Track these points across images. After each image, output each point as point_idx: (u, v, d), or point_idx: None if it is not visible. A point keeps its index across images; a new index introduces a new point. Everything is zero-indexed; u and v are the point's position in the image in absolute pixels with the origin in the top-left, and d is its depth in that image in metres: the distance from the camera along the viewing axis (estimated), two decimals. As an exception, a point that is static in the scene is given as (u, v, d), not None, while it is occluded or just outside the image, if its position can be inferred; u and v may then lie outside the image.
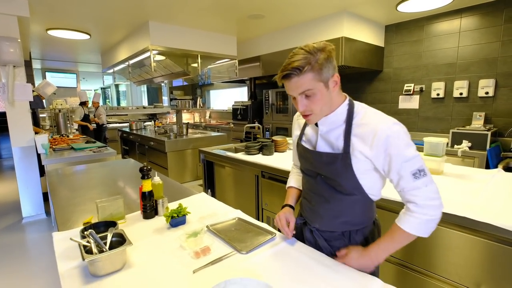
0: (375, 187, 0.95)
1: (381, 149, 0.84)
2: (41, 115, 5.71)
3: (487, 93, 3.16)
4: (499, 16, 3.02)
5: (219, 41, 4.34)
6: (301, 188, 1.19)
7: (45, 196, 3.36)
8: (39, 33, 4.18)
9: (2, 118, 6.62)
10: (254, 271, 0.90)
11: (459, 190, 1.57)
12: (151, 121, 7.32)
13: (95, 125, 5.96)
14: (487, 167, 2.76)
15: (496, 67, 3.10)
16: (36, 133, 3.40)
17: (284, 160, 2.44)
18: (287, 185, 1.26)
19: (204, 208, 1.43)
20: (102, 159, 3.03)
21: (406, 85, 3.80)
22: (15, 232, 2.92)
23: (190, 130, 5.06)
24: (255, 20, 3.74)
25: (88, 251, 0.91)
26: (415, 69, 3.73)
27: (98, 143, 3.61)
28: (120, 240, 0.98)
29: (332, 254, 1.00)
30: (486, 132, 2.85)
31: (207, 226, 1.19)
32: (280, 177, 2.25)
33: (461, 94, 3.35)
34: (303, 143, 1.06)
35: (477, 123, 3.17)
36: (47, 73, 7.63)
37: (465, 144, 2.93)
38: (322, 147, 0.97)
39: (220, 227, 1.20)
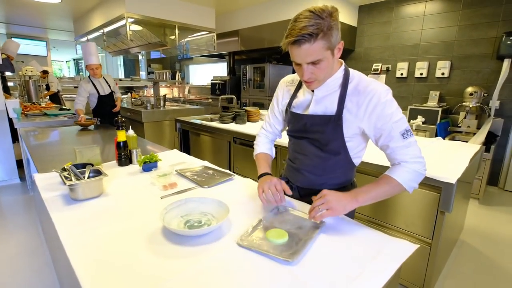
0: (358, 150, 1.00)
1: (374, 113, 0.88)
2: (9, 84, 5.45)
3: (443, 73, 3.47)
4: (459, 2, 3.27)
5: (197, 13, 4.31)
6: (271, 154, 1.17)
7: (19, 163, 3.36)
8: (4, -7, 3.95)
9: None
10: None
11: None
12: (127, 94, 7.18)
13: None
14: (436, 140, 3.10)
15: (453, 50, 3.39)
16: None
17: (256, 128, 2.62)
18: (256, 152, 1.17)
19: (175, 159, 1.59)
20: (76, 125, 3.05)
21: (374, 64, 4.04)
22: (-11, 195, 2.95)
23: (167, 103, 5.08)
24: (233, -8, 3.76)
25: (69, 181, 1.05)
26: (383, 50, 3.96)
27: (72, 111, 3.60)
28: (97, 175, 1.13)
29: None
30: (437, 109, 3.17)
31: (175, 170, 1.36)
32: (250, 142, 2.44)
33: (421, 74, 3.64)
34: (293, 110, 1.04)
35: (433, 102, 3.50)
36: (13, 39, 7.16)
37: (420, 119, 3.25)
38: (315, 111, 0.97)
39: (187, 171, 1.37)
